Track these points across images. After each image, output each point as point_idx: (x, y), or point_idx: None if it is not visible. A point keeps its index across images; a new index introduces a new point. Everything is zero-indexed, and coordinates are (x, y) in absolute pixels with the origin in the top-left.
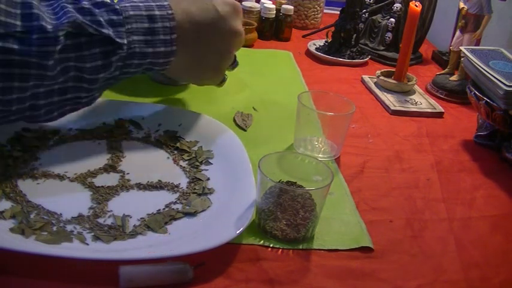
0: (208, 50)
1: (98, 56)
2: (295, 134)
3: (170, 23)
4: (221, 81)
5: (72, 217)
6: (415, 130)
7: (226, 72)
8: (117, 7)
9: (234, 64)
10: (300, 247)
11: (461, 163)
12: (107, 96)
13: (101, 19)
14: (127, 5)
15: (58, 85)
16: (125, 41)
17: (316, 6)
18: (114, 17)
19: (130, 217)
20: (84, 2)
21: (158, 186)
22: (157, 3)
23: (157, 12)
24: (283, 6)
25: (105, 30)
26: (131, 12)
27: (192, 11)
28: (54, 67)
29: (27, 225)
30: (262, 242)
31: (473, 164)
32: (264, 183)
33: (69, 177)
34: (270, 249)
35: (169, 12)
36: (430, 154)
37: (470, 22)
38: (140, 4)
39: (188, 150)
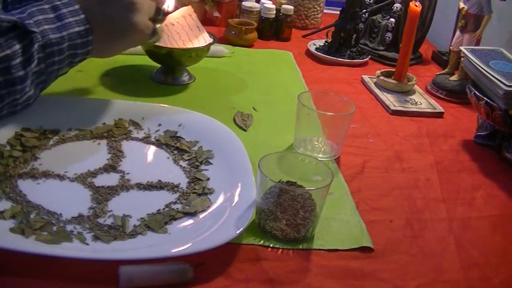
0: (114, 8)
1: (19, 52)
2: (295, 134)
3: (74, 6)
4: (152, 35)
5: (72, 217)
6: (415, 130)
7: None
8: (19, 9)
9: (160, 13)
10: (300, 247)
11: (461, 163)
12: (107, 96)
13: (10, 17)
14: (26, 5)
15: None
16: (37, 30)
17: (316, 6)
18: (20, 15)
19: (131, 217)
20: None
21: (158, 186)
22: None
23: (57, 3)
24: (283, 6)
25: (18, 20)
26: (33, 9)
27: None
28: None
29: (27, 225)
30: (262, 242)
31: (473, 164)
32: (264, 183)
33: (69, 177)
34: (270, 249)
35: None
36: (430, 154)
37: (470, 22)
38: (40, 2)
39: (188, 150)
